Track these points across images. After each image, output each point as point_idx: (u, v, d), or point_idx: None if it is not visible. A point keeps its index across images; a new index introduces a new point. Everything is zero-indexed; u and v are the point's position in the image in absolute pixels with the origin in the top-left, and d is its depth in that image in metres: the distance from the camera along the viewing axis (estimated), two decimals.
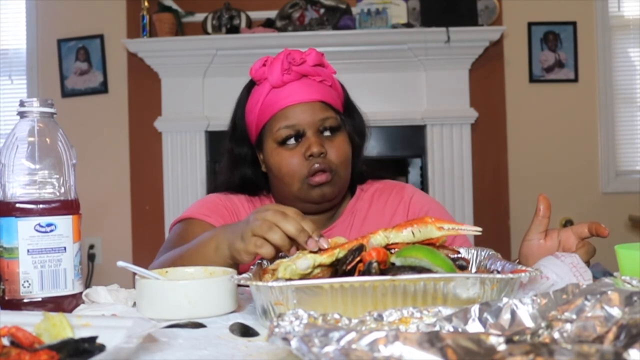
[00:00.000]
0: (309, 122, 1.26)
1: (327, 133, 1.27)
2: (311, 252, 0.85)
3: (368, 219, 1.36)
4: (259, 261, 0.93)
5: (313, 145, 1.24)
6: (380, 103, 3.38)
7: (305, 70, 1.26)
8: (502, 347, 0.46)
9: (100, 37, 3.59)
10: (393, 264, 0.81)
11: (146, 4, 3.45)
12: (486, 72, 3.52)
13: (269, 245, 0.91)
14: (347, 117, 1.34)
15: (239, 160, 1.36)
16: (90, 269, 3.55)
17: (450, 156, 3.45)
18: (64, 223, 0.87)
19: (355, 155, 1.35)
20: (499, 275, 0.76)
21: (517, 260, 1.05)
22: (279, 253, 0.93)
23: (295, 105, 1.26)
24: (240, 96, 1.37)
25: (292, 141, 1.26)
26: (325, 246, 0.87)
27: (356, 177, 1.38)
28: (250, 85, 1.35)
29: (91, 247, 3.57)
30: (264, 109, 1.28)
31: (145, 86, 3.56)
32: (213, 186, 1.43)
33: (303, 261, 0.81)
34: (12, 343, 0.59)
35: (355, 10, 3.42)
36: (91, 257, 3.57)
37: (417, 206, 1.36)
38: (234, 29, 3.45)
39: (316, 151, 1.23)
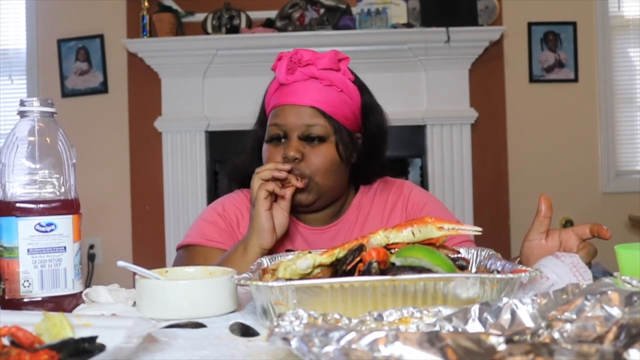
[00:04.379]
0: (293, 125, 1.28)
1: (312, 140, 1.29)
2: (311, 252, 0.86)
3: (371, 214, 1.38)
4: (259, 260, 0.94)
5: (290, 149, 1.27)
6: (380, 103, 3.36)
7: (312, 72, 1.28)
8: (502, 347, 0.46)
9: (100, 37, 3.59)
10: (393, 264, 0.81)
11: (146, 4, 3.45)
12: (486, 72, 3.52)
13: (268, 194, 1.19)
14: (364, 120, 1.36)
15: (256, 143, 1.39)
16: (90, 269, 3.55)
17: (450, 156, 3.45)
18: (64, 223, 0.87)
19: (374, 158, 1.37)
20: (499, 275, 0.76)
21: (518, 260, 1.05)
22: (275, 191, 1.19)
23: (286, 106, 1.29)
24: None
25: (279, 140, 1.30)
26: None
27: (360, 178, 1.40)
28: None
29: (91, 247, 3.57)
30: (269, 102, 1.35)
31: (145, 86, 3.56)
32: (230, 170, 1.48)
33: (303, 261, 0.81)
34: (12, 343, 0.59)
35: (355, 10, 3.42)
36: (91, 257, 3.57)
37: (415, 201, 1.39)
38: (234, 29, 3.45)
39: (291, 155, 1.26)
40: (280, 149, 1.29)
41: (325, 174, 1.29)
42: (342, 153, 1.31)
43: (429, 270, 0.77)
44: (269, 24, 3.46)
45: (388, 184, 1.44)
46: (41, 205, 0.86)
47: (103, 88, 3.61)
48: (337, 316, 0.58)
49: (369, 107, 1.39)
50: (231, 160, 1.48)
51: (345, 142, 1.31)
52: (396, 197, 1.40)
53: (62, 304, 0.87)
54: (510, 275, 0.76)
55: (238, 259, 1.18)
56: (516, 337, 0.55)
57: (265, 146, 1.33)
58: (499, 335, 0.48)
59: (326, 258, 0.82)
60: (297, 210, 1.33)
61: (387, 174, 1.46)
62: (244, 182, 1.39)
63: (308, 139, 1.29)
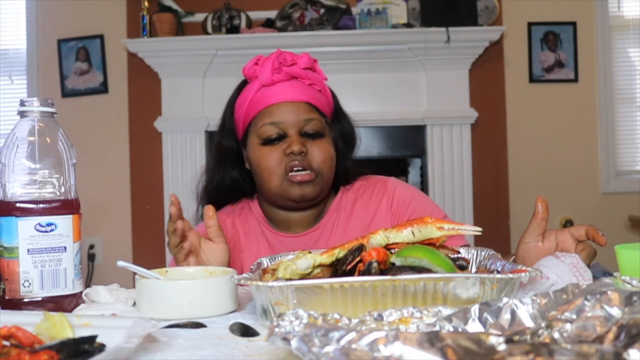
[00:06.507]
0: (292, 121, 1.28)
1: (310, 136, 1.29)
2: (311, 252, 0.86)
3: (353, 214, 1.36)
4: (259, 260, 0.94)
5: (294, 143, 1.26)
6: (381, 103, 3.37)
7: (296, 72, 1.29)
8: (502, 347, 0.46)
9: (100, 37, 3.59)
10: (393, 264, 0.81)
11: (146, 4, 3.45)
12: (486, 72, 3.52)
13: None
14: (335, 122, 1.37)
15: (226, 155, 1.37)
16: (90, 269, 3.55)
17: (450, 156, 3.45)
18: (64, 223, 0.87)
19: (341, 159, 1.36)
20: (499, 275, 0.76)
21: (513, 259, 1.05)
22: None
23: (281, 104, 1.28)
24: (232, 94, 1.39)
25: (275, 141, 1.28)
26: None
27: (340, 179, 1.39)
28: (243, 84, 1.37)
29: (91, 247, 3.57)
30: (252, 106, 1.31)
31: (145, 86, 3.56)
32: (203, 185, 1.41)
33: (303, 261, 0.81)
34: (12, 343, 0.59)
35: (355, 10, 3.42)
36: (91, 257, 3.57)
37: (401, 198, 1.36)
38: (234, 29, 3.45)
39: (297, 149, 1.25)
40: (278, 148, 1.27)
41: (330, 167, 1.30)
42: (341, 146, 1.34)
43: (429, 270, 0.77)
44: (269, 24, 3.46)
45: (370, 182, 1.41)
46: (41, 205, 0.86)
47: (103, 88, 3.61)
48: (337, 316, 0.58)
49: (340, 110, 1.41)
50: (198, 185, 1.41)
51: (337, 137, 1.34)
52: (380, 195, 1.37)
53: (62, 304, 0.87)
54: (510, 275, 0.76)
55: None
56: (516, 337, 0.55)
57: (258, 150, 1.29)
58: (499, 335, 0.48)
59: (326, 258, 0.82)
60: (289, 208, 1.32)
61: (368, 172, 1.44)
62: (225, 200, 1.39)
63: (306, 135, 1.29)
